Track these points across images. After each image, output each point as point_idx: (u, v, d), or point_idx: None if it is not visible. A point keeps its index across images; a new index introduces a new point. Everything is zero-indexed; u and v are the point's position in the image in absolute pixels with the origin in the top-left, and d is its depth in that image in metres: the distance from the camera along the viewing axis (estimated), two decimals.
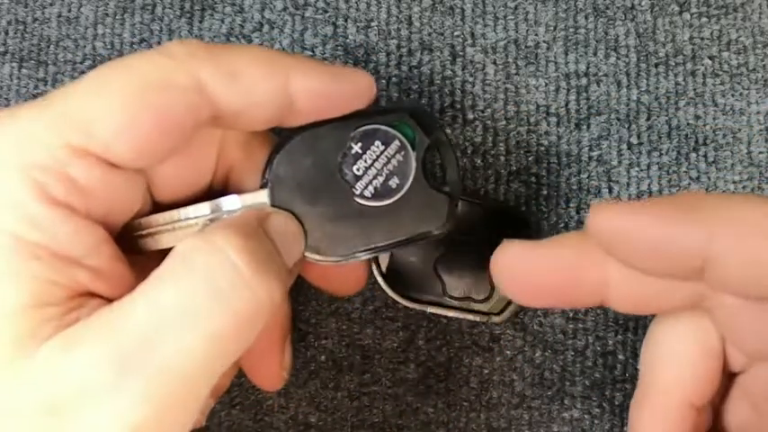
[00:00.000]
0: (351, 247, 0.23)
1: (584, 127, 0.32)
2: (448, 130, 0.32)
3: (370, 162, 0.22)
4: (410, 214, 0.23)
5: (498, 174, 0.31)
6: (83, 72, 0.33)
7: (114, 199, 0.20)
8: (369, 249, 0.23)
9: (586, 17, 0.32)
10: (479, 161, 0.31)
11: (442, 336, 0.31)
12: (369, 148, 0.22)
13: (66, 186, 0.19)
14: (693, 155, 0.32)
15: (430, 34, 0.32)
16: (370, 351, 0.31)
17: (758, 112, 0.32)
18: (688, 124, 0.32)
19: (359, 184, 0.22)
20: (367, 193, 0.23)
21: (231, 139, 0.23)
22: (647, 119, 0.32)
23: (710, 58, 0.32)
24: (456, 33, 0.32)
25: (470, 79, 0.32)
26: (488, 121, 0.32)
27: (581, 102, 0.32)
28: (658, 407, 0.21)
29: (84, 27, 0.33)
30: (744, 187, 0.31)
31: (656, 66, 0.32)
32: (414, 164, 0.23)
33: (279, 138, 0.23)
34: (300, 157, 0.22)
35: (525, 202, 0.31)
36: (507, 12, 0.32)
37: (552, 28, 0.32)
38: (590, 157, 0.32)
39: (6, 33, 0.33)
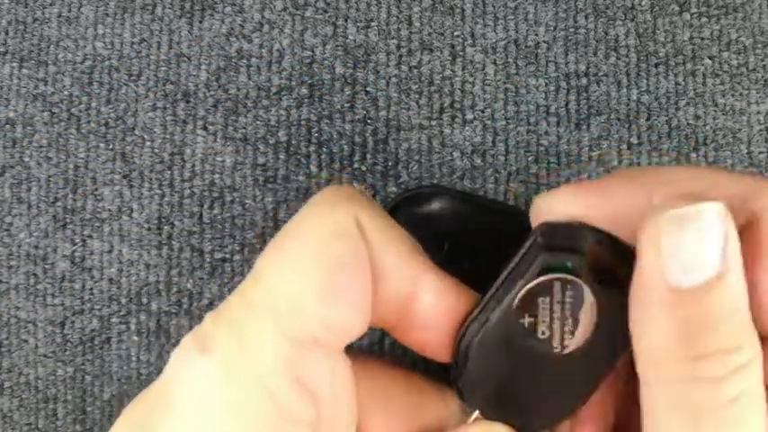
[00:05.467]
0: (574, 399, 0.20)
1: (584, 127, 0.32)
2: (447, 130, 0.32)
3: (548, 320, 0.19)
4: (622, 325, 0.19)
5: (498, 174, 0.31)
6: (83, 72, 0.33)
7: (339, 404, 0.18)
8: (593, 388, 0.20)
9: (586, 17, 0.32)
10: (479, 161, 0.31)
11: None
12: (538, 312, 0.19)
13: (297, 395, 0.17)
14: (693, 155, 0.32)
15: (430, 34, 0.32)
16: (370, 351, 0.31)
17: (758, 112, 0.32)
18: (688, 124, 0.32)
19: (554, 342, 0.19)
20: (567, 345, 0.19)
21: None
22: (647, 119, 0.32)
23: (710, 58, 0.32)
24: (456, 33, 0.32)
25: (470, 79, 0.32)
26: (488, 121, 0.32)
27: (581, 102, 0.32)
28: None
29: (84, 27, 0.33)
30: None
31: (656, 66, 0.32)
32: (586, 288, 0.19)
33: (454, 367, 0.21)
34: (487, 361, 0.20)
35: (525, 202, 0.31)
36: (507, 12, 0.32)
37: (552, 28, 0.32)
38: (590, 157, 0.32)
39: (6, 33, 0.33)
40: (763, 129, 0.32)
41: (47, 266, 0.32)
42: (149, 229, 0.32)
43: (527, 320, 0.19)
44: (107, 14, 0.33)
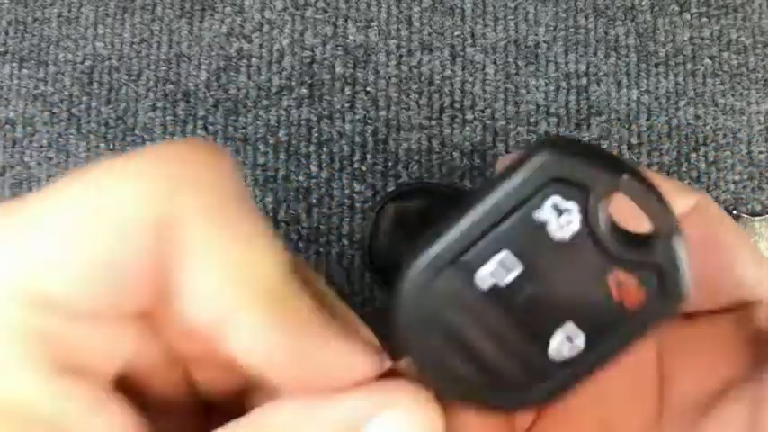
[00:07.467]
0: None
1: (584, 127, 0.32)
2: (447, 130, 0.32)
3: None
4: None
5: None
6: (83, 72, 0.33)
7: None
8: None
9: (586, 17, 0.32)
10: (479, 161, 0.31)
11: None
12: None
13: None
14: (693, 155, 0.32)
15: (430, 34, 0.32)
16: None
17: (758, 112, 0.32)
18: (688, 124, 0.32)
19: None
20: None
21: None
22: (647, 119, 0.32)
23: (710, 58, 0.32)
24: (456, 33, 0.32)
25: (470, 79, 0.32)
26: (488, 121, 0.32)
27: (581, 102, 0.32)
28: None
29: (84, 27, 0.33)
30: (744, 187, 0.31)
31: (656, 66, 0.32)
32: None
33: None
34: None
35: None
36: (507, 12, 0.32)
37: (552, 28, 0.32)
38: None
39: (6, 33, 0.33)
40: (763, 129, 0.32)
41: None
42: None
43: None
44: (107, 14, 0.33)
